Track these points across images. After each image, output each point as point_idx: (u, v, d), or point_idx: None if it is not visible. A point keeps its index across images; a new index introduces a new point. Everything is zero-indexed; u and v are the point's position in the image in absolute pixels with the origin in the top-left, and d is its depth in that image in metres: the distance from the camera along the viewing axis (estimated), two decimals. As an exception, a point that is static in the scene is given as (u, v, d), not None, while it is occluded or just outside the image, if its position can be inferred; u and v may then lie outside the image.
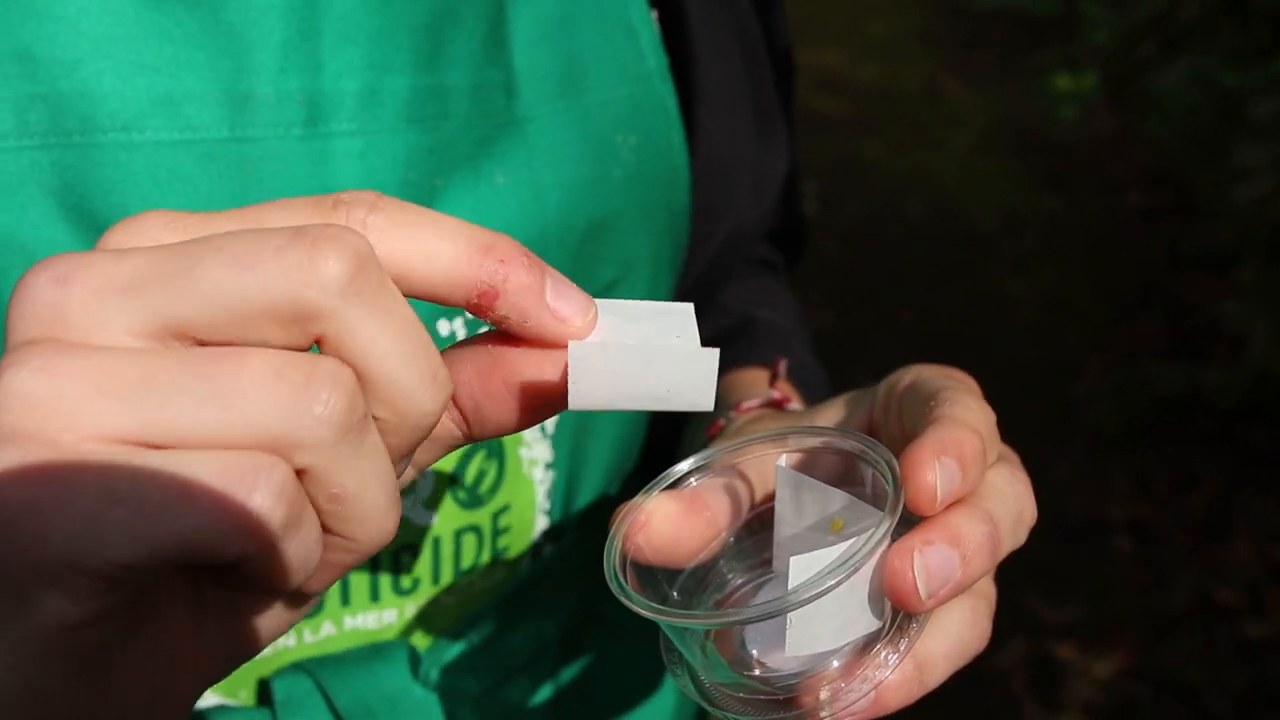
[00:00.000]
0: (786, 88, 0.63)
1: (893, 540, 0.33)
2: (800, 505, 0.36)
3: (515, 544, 0.52)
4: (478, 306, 0.28)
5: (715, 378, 0.30)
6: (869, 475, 0.36)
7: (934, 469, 0.33)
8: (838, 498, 0.35)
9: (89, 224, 0.39)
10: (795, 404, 0.52)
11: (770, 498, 0.39)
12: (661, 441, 0.61)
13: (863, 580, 0.33)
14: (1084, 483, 2.46)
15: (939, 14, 5.00)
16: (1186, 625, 2.10)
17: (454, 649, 0.51)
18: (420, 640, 0.51)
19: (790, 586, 0.31)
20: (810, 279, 3.20)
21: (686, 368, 0.30)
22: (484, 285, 0.28)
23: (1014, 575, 2.25)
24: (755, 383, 0.57)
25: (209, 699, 0.47)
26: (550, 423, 0.51)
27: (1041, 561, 2.23)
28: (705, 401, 0.30)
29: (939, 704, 1.94)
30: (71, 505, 0.23)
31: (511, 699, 0.54)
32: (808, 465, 0.38)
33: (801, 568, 0.32)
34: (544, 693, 0.55)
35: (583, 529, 0.55)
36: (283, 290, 0.25)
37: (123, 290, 0.25)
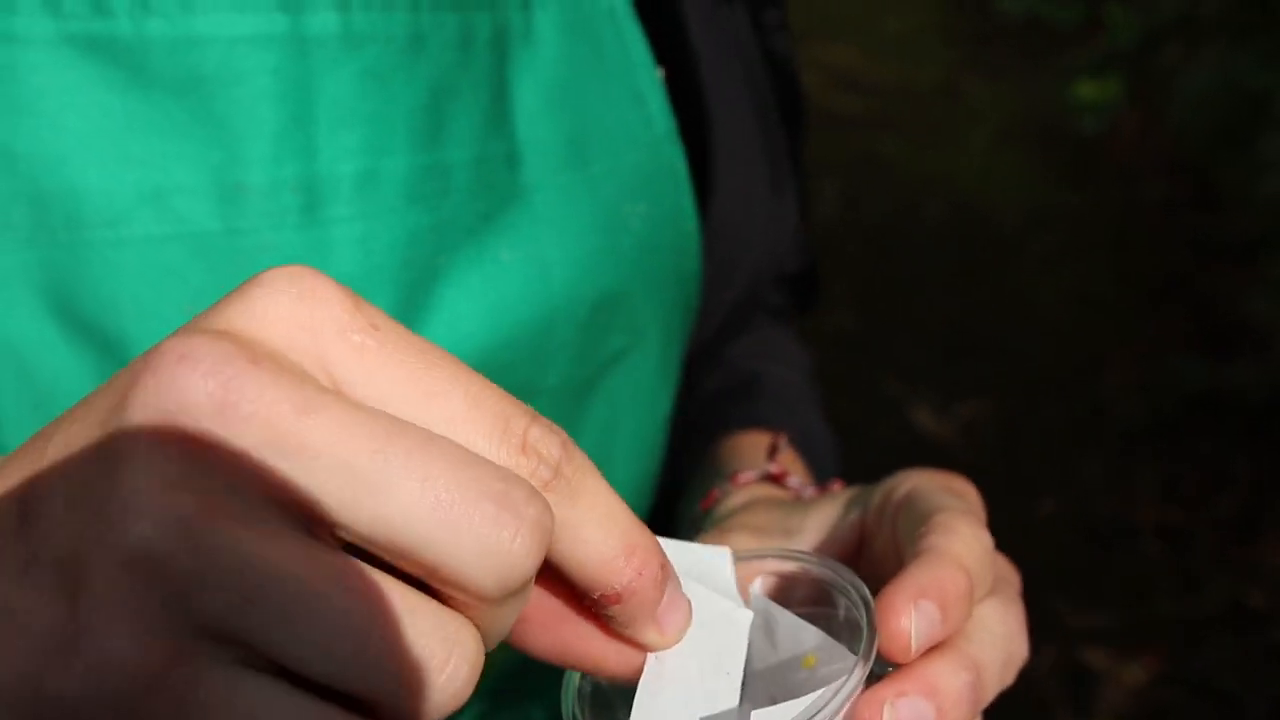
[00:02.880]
0: (796, 122, 0.61)
1: (868, 683, 0.32)
2: (773, 636, 0.35)
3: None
4: (593, 600, 0.28)
5: None
6: (843, 605, 0.34)
7: (909, 615, 0.31)
8: (811, 634, 0.34)
9: (78, 323, 0.38)
10: (794, 478, 0.50)
11: None
12: (660, 507, 0.59)
13: None
14: (1112, 484, 2.44)
15: (956, 9, 4.97)
16: (1219, 630, 2.08)
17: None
18: None
19: None
20: (831, 280, 3.18)
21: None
22: (613, 590, 0.27)
23: (1042, 580, 2.23)
24: (755, 449, 0.55)
25: None
26: None
27: (1069, 565, 2.21)
28: None
29: None
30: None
31: None
32: (786, 587, 0.37)
33: None
34: None
35: None
36: (464, 566, 0.23)
37: (290, 470, 0.22)
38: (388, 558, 0.23)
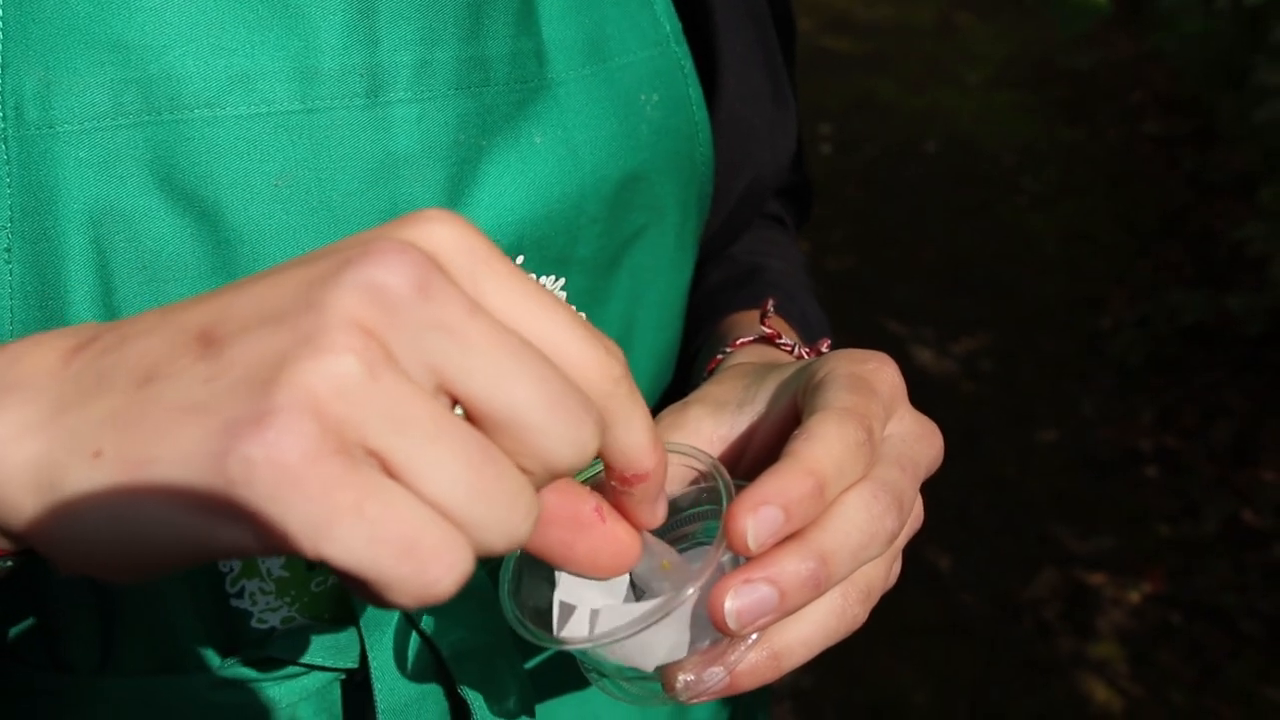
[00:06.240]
0: (789, 53, 0.67)
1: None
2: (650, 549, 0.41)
3: None
4: (624, 479, 0.35)
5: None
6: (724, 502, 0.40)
7: (747, 522, 0.36)
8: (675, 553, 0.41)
9: (180, 193, 0.43)
10: (786, 339, 0.56)
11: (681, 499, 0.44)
12: (679, 376, 0.65)
13: (687, 610, 0.39)
14: (1112, 415, 2.47)
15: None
16: (1217, 551, 2.12)
17: (511, 560, 0.55)
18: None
19: (607, 630, 0.38)
20: (830, 222, 3.20)
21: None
22: (645, 470, 0.35)
23: (1043, 507, 2.28)
24: (752, 322, 0.61)
25: (299, 620, 0.51)
26: None
27: (1070, 493, 2.25)
28: None
29: (973, 637, 1.97)
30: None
31: None
32: (696, 478, 0.43)
33: (613, 616, 0.38)
34: None
35: None
36: (555, 446, 0.30)
37: (451, 349, 0.29)
38: (496, 431, 0.30)
